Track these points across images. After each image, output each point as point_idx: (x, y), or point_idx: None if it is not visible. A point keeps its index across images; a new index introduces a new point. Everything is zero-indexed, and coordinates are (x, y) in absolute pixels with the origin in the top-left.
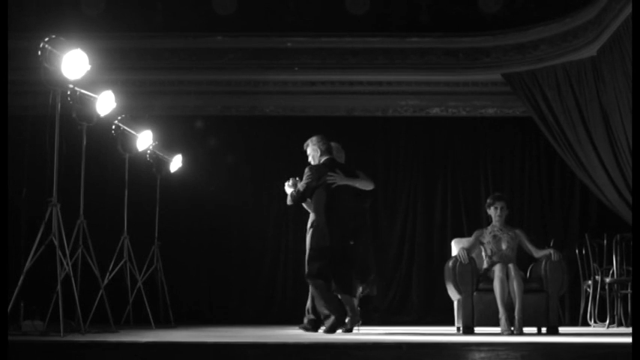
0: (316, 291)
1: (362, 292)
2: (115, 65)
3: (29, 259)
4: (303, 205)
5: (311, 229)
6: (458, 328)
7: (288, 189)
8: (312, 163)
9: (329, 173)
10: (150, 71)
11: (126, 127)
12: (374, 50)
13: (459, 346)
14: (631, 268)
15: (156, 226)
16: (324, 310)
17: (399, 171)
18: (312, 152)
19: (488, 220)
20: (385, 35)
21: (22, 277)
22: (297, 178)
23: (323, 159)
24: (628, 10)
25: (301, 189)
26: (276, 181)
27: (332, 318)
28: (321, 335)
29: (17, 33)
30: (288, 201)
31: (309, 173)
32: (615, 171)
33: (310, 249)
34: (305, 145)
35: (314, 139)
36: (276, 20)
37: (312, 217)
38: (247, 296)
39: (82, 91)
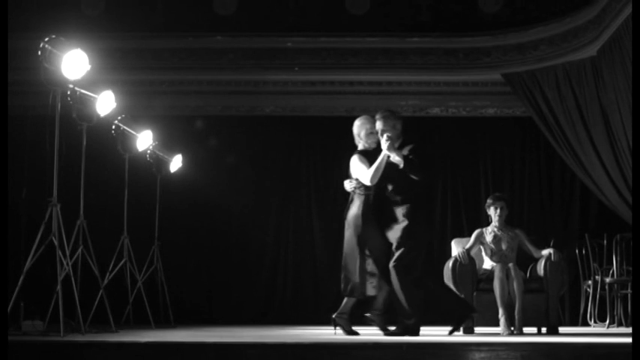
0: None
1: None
2: (115, 65)
3: (29, 259)
4: (359, 183)
5: (410, 223)
6: None
7: (386, 144)
8: (390, 145)
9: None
10: (150, 71)
11: (126, 127)
12: (374, 50)
13: (458, 346)
14: (631, 268)
15: (156, 226)
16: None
17: None
18: (393, 131)
19: (488, 220)
20: (385, 35)
21: (22, 277)
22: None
23: (400, 142)
24: (628, 10)
25: (420, 166)
26: (276, 181)
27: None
28: (320, 335)
29: (17, 33)
30: (373, 176)
31: (420, 152)
32: (615, 171)
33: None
34: (380, 118)
35: (389, 114)
36: (276, 20)
37: (407, 207)
38: (247, 296)
39: (82, 91)
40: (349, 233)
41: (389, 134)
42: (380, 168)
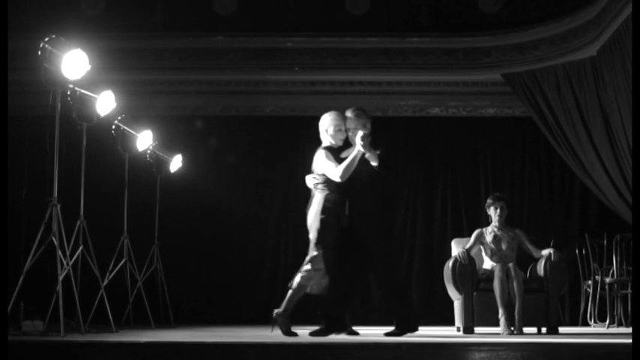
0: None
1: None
2: (115, 65)
3: (29, 259)
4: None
5: (380, 222)
6: (458, 328)
7: (361, 142)
8: (366, 143)
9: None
10: (150, 71)
11: (126, 127)
12: (374, 50)
13: (459, 346)
14: (631, 268)
15: (156, 226)
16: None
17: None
18: (364, 130)
19: (489, 220)
20: (385, 35)
21: (22, 277)
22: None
23: (369, 141)
24: (628, 10)
25: (393, 166)
26: (276, 181)
27: None
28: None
29: (17, 33)
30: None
31: (390, 153)
32: (615, 171)
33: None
34: (352, 116)
35: (361, 112)
36: (276, 20)
37: (377, 206)
38: (247, 296)
39: (82, 91)
40: (314, 232)
41: (365, 132)
42: (352, 165)
